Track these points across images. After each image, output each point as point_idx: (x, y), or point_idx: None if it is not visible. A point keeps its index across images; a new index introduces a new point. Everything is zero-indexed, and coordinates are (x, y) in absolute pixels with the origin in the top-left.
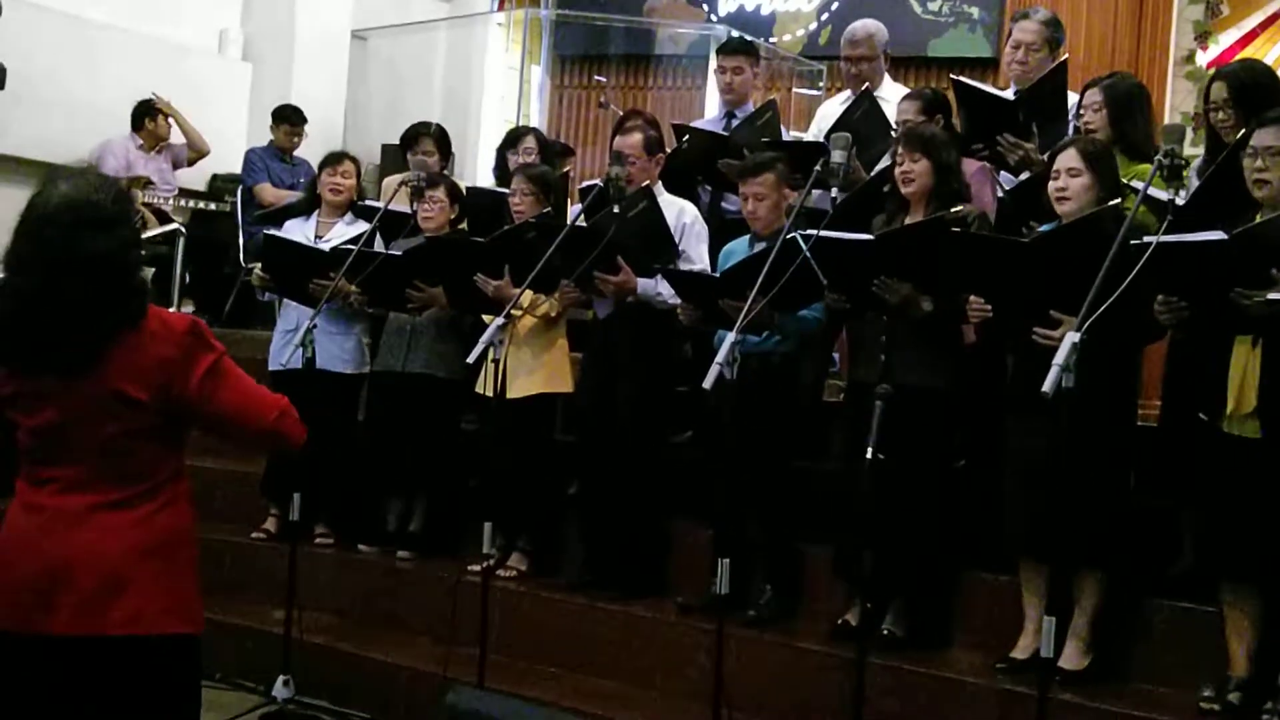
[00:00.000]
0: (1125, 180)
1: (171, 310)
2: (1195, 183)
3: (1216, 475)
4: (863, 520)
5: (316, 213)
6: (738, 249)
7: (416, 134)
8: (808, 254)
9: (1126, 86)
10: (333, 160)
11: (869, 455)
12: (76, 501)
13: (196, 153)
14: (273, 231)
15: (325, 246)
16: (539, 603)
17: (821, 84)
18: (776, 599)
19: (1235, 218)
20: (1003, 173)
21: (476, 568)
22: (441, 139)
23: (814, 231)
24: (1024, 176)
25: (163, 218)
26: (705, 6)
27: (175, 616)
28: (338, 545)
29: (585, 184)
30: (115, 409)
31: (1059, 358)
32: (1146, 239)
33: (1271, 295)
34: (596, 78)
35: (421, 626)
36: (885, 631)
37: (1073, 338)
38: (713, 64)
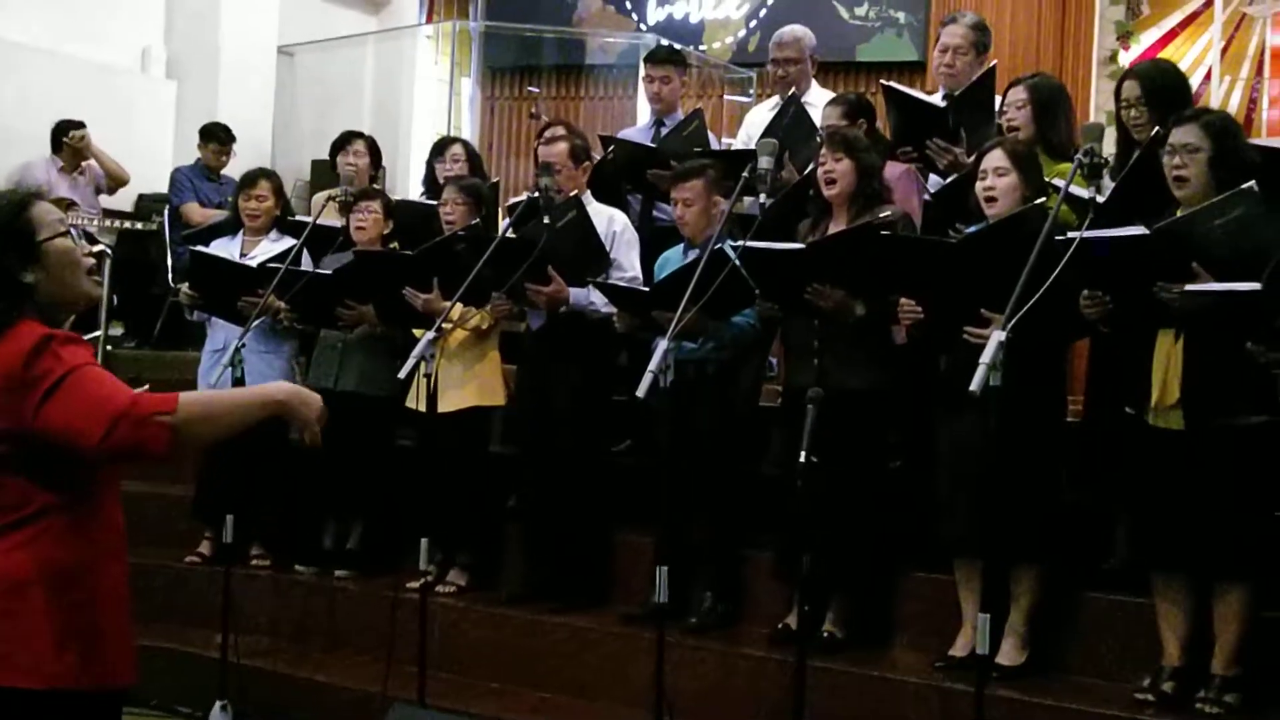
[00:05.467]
0: (1047, 179)
1: (96, 332)
2: (1109, 181)
3: (1144, 467)
4: (800, 523)
5: (242, 231)
6: (673, 257)
7: (346, 140)
8: (736, 263)
9: (1050, 86)
10: (247, 183)
11: (803, 458)
12: None
13: (116, 181)
14: (200, 248)
15: (252, 263)
16: (479, 617)
17: (751, 91)
18: (718, 606)
19: (1155, 214)
20: (931, 176)
21: (415, 584)
22: (372, 145)
23: (742, 242)
24: (951, 179)
25: (88, 239)
26: (635, 16)
27: (9, 667)
28: (274, 566)
29: (512, 201)
30: None
31: (985, 356)
32: (1070, 235)
33: (1190, 287)
34: (529, 88)
35: (361, 646)
36: (825, 633)
37: (998, 336)
38: (643, 72)
